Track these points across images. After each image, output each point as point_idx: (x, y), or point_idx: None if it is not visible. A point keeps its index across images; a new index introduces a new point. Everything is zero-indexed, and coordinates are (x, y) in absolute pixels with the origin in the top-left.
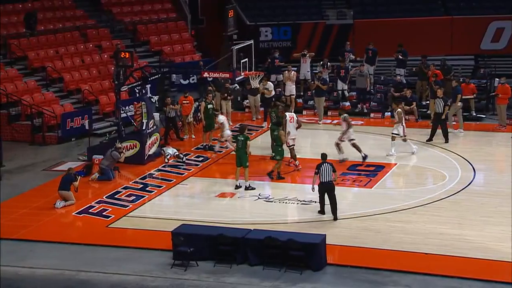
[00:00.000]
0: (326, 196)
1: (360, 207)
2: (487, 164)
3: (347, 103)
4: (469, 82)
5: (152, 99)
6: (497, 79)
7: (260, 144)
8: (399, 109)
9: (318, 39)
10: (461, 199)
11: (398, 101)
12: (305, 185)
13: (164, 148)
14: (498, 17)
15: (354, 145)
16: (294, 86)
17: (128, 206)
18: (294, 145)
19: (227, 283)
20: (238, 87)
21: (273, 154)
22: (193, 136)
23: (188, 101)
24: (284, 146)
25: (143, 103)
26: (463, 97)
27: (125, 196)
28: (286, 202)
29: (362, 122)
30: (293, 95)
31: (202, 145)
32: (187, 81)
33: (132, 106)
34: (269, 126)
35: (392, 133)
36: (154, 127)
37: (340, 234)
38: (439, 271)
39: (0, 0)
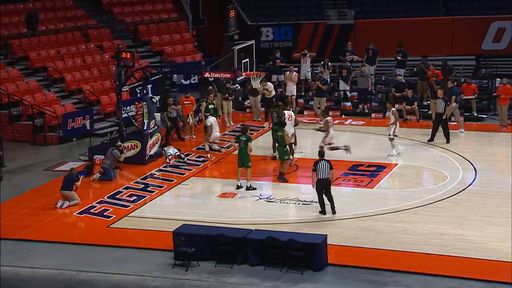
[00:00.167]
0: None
1: (361, 207)
2: (488, 165)
3: (348, 104)
4: (470, 82)
5: (153, 99)
6: (498, 79)
7: (261, 144)
8: (393, 109)
9: (319, 39)
10: (462, 199)
11: (396, 101)
12: (305, 185)
13: (165, 148)
14: (500, 17)
15: (333, 149)
16: (295, 86)
17: (129, 206)
18: (292, 142)
19: (228, 283)
20: (239, 87)
21: (275, 154)
22: (194, 136)
23: (189, 101)
24: None
25: (144, 103)
26: (464, 97)
27: (126, 196)
28: (287, 202)
29: (363, 123)
30: (294, 95)
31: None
32: (188, 81)
33: (133, 106)
34: (270, 126)
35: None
36: (155, 127)
37: (341, 234)
38: (440, 271)
39: (1, 0)
